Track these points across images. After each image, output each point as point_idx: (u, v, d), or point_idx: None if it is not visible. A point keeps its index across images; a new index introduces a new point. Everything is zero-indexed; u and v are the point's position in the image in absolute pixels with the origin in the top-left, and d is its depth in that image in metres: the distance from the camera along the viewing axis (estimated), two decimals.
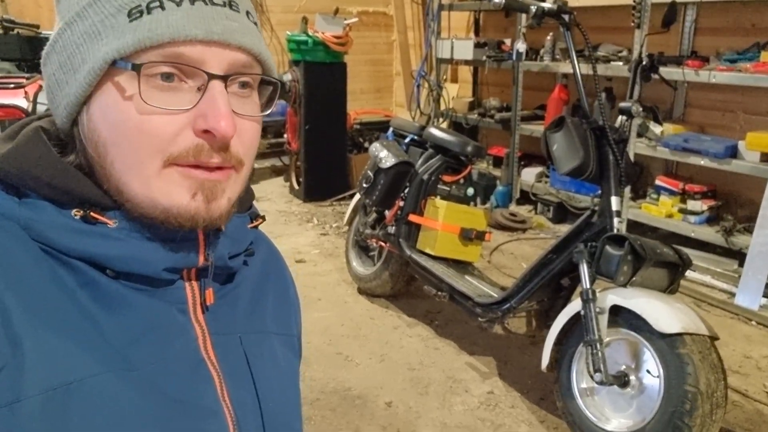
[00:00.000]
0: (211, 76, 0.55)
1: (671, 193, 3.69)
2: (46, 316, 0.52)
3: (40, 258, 0.54)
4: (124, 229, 0.57)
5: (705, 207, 3.55)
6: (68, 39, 0.57)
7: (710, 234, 3.41)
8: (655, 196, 3.77)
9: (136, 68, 0.53)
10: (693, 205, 3.57)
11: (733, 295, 3.11)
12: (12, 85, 3.02)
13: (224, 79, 0.56)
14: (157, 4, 0.54)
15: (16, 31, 3.86)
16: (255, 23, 0.60)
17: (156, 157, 0.54)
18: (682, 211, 3.60)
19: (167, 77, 0.54)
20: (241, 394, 0.63)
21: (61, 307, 0.53)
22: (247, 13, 0.59)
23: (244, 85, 0.59)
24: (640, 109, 2.16)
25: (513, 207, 4.55)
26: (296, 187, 4.78)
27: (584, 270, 2.01)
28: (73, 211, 0.56)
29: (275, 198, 4.82)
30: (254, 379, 0.65)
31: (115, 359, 0.54)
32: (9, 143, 0.58)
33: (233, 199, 0.60)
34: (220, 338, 0.63)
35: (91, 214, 0.56)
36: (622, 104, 2.17)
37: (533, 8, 2.19)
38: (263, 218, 0.73)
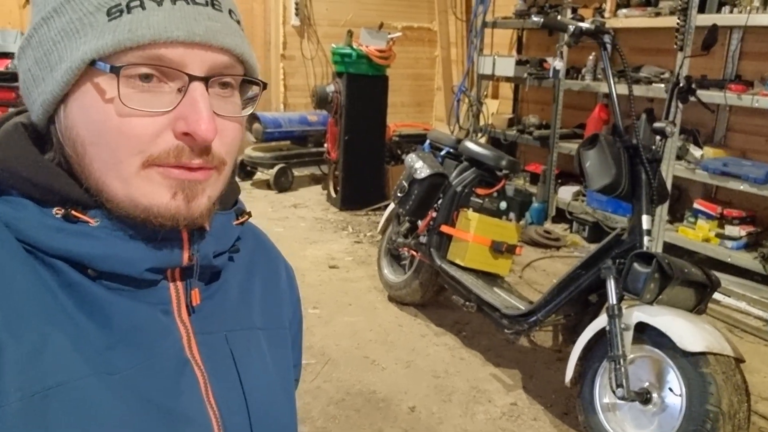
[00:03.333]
0: (192, 78, 0.54)
1: (709, 217, 3.65)
2: (26, 319, 0.51)
3: (22, 258, 0.53)
4: (105, 228, 0.56)
5: (743, 233, 3.50)
6: (45, 35, 0.55)
7: (748, 260, 3.36)
8: (692, 219, 3.74)
9: (115, 70, 0.52)
10: (731, 230, 3.52)
11: None
12: None
13: (205, 80, 0.55)
14: (138, 3, 0.53)
15: None
16: (238, 21, 0.59)
17: (135, 158, 0.54)
18: (720, 236, 3.55)
19: (146, 78, 0.53)
20: (226, 393, 0.62)
21: (42, 308, 0.52)
22: (230, 11, 0.58)
23: (225, 85, 0.58)
24: (674, 129, 2.17)
25: (548, 224, 4.55)
26: (333, 195, 4.88)
27: (611, 286, 2.03)
28: (54, 210, 0.55)
29: (312, 205, 4.93)
30: (240, 378, 0.64)
31: (97, 363, 0.53)
32: None
33: (214, 198, 0.59)
34: (204, 337, 0.62)
35: (72, 212, 0.55)
36: (657, 124, 2.19)
37: (571, 27, 2.23)
38: (249, 214, 0.71)
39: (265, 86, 0.63)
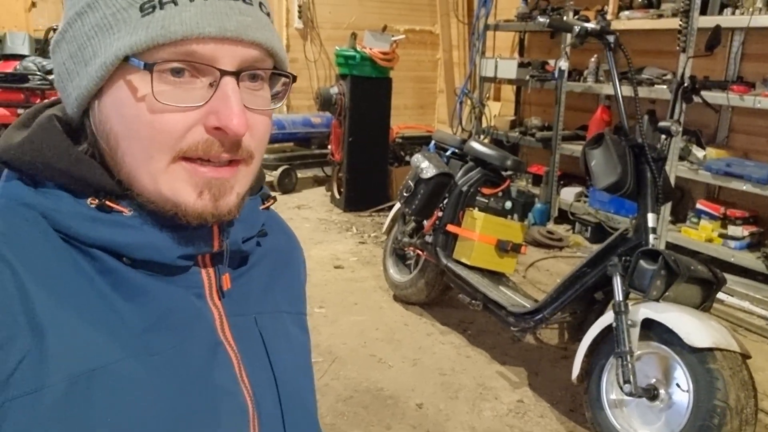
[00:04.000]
0: (224, 73, 0.54)
1: (712, 217, 3.67)
2: (67, 302, 0.52)
3: (60, 246, 0.54)
4: (138, 218, 0.57)
5: (746, 233, 3.52)
6: (79, 30, 0.56)
7: (751, 260, 3.38)
8: (695, 219, 3.76)
9: (149, 67, 0.53)
10: (734, 230, 3.54)
11: None
12: None
13: (236, 75, 0.55)
14: None
15: None
16: (268, 14, 0.59)
17: (166, 153, 0.54)
18: (723, 236, 3.58)
19: (177, 72, 0.54)
20: (258, 373, 0.64)
21: (81, 294, 0.54)
22: (260, 4, 0.58)
23: (255, 78, 0.58)
24: (679, 128, 2.20)
25: (551, 225, 4.57)
26: (337, 196, 4.90)
27: (617, 283, 2.05)
28: (89, 200, 0.56)
29: (316, 206, 4.95)
30: (270, 358, 0.66)
31: (136, 345, 0.54)
32: (23, 131, 0.58)
33: (242, 193, 0.60)
34: (236, 319, 0.64)
35: (107, 202, 0.56)
36: (662, 123, 2.21)
37: (577, 28, 2.26)
38: (275, 199, 0.73)
39: (294, 79, 0.63)
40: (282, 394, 0.66)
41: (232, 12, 0.54)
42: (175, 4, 0.53)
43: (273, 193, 0.75)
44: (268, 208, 0.71)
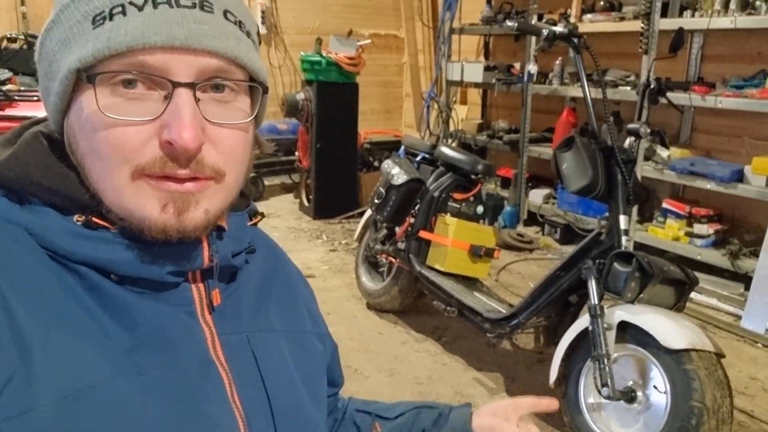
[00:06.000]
0: (176, 84, 0.52)
1: (678, 216, 3.73)
2: (55, 321, 0.51)
3: (46, 263, 0.53)
4: (125, 234, 0.56)
5: (711, 230, 3.58)
6: (48, 46, 0.56)
7: (716, 257, 3.44)
8: (661, 219, 3.81)
9: (91, 80, 0.52)
10: (699, 228, 3.60)
11: (739, 317, 3.14)
12: (35, 98, 3.11)
13: (192, 86, 0.53)
14: (120, 9, 0.52)
15: None
16: (238, 22, 0.57)
17: (123, 168, 0.53)
18: (689, 234, 3.63)
19: (128, 84, 0.53)
20: (250, 393, 0.62)
21: (69, 312, 0.52)
22: (225, 12, 0.56)
23: (222, 88, 0.56)
24: (648, 130, 2.21)
25: (520, 228, 4.59)
26: (306, 204, 4.84)
27: (592, 286, 2.05)
28: (75, 217, 0.55)
29: (285, 214, 4.88)
30: (263, 378, 0.64)
31: (124, 363, 0.53)
32: (9, 148, 0.57)
33: (213, 211, 0.57)
34: (228, 338, 0.62)
35: (92, 219, 0.55)
36: (631, 125, 2.23)
37: (545, 32, 2.26)
38: (262, 215, 0.72)
39: (266, 90, 0.61)
40: (276, 414, 0.64)
41: (184, 20, 0.53)
42: (124, 14, 0.52)
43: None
44: (256, 224, 0.71)
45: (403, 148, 3.17)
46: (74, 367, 0.50)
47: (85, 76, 0.52)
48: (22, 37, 4.02)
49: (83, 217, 0.55)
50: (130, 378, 0.53)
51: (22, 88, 3.50)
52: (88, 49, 0.51)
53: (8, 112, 3.11)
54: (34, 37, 4.00)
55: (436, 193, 2.82)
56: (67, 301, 0.53)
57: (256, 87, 0.60)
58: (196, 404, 0.57)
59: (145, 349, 0.55)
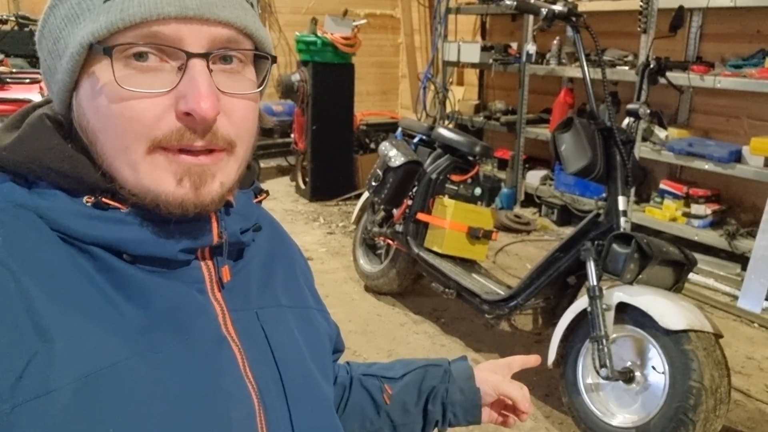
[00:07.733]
0: (190, 55, 0.53)
1: (675, 196, 3.73)
2: (70, 303, 0.51)
3: (58, 245, 0.54)
4: (136, 213, 0.56)
5: (709, 211, 3.58)
6: (52, 24, 0.56)
7: (714, 238, 3.45)
8: (659, 199, 3.81)
9: (108, 52, 0.52)
10: (697, 209, 3.60)
11: (735, 297, 3.15)
12: (27, 80, 3.07)
13: (205, 56, 0.53)
14: None
15: (29, 27, 3.91)
16: None
17: (141, 142, 0.53)
18: (686, 215, 3.64)
19: (140, 56, 0.53)
20: (262, 368, 0.63)
21: (83, 293, 0.53)
22: None
23: (228, 59, 0.56)
24: (648, 110, 2.20)
25: (518, 209, 4.58)
26: (302, 186, 4.82)
27: (591, 267, 2.04)
28: (85, 198, 0.55)
29: (281, 197, 4.86)
30: (273, 353, 0.65)
31: (140, 343, 0.54)
32: (14, 132, 0.57)
33: (227, 183, 0.58)
34: (238, 314, 0.63)
35: (103, 200, 0.55)
36: (630, 106, 2.21)
37: (544, 10, 2.23)
38: (267, 193, 0.72)
39: (274, 60, 0.62)
40: (287, 387, 0.65)
41: None
42: None
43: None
44: (260, 202, 0.71)
45: (400, 129, 3.15)
46: (92, 348, 0.50)
47: (102, 49, 0.52)
48: (13, 18, 3.95)
49: (93, 198, 0.55)
50: (147, 357, 0.53)
51: (14, 70, 3.45)
52: (101, 23, 0.51)
53: (0, 94, 3.07)
54: (26, 18, 3.93)
55: (434, 175, 2.81)
56: (81, 283, 0.53)
57: (261, 57, 0.61)
58: (213, 380, 0.57)
59: (159, 328, 0.55)
